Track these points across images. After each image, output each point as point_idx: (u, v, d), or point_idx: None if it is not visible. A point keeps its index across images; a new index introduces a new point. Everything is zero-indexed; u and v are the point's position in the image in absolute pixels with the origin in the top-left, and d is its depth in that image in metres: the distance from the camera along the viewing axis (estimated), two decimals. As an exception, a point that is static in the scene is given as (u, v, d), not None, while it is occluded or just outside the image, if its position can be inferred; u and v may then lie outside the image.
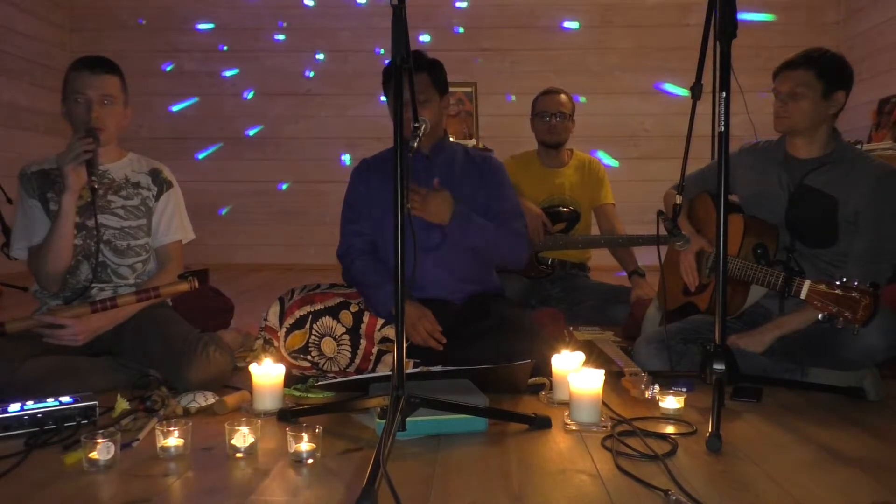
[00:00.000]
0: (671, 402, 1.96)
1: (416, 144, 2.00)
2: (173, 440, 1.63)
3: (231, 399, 1.98)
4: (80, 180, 2.15)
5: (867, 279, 1.96)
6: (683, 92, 5.76)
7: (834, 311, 1.94)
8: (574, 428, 1.82)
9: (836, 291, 1.94)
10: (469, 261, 2.44)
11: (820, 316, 1.98)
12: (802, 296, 2.04)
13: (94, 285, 2.26)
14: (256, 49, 6.14)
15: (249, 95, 6.17)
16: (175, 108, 6.17)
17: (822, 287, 1.98)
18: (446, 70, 2.43)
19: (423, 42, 5.93)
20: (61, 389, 1.94)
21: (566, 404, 1.92)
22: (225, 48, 6.16)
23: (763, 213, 2.40)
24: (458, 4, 6.05)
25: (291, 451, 1.60)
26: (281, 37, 6.15)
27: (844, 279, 1.95)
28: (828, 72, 2.26)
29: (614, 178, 3.71)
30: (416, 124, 2.00)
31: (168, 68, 6.16)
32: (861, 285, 1.92)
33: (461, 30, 6.05)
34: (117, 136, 2.35)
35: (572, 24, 6.03)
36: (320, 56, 6.14)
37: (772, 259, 2.30)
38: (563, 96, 3.41)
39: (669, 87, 5.93)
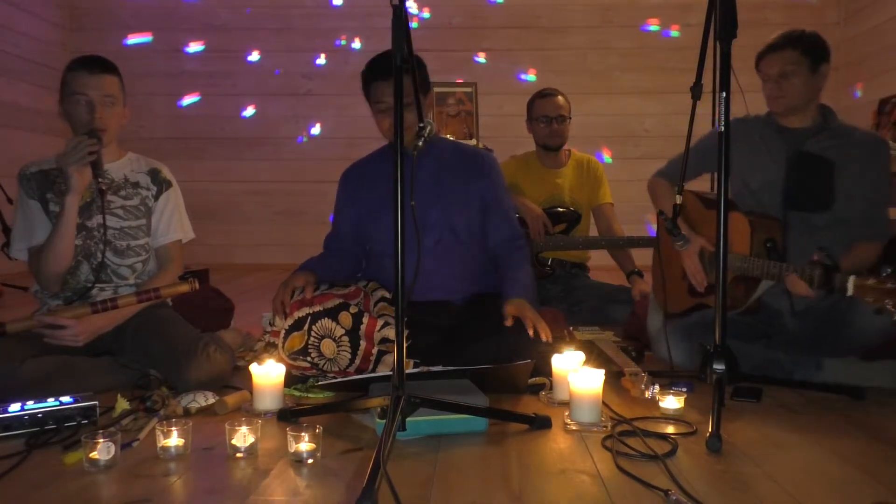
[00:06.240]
0: (671, 402, 1.96)
1: (420, 144, 1.98)
2: (173, 440, 1.63)
3: (231, 399, 1.99)
4: (84, 181, 2.15)
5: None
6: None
7: (890, 307, 1.86)
8: (574, 428, 1.82)
9: (889, 285, 1.87)
10: (468, 261, 2.43)
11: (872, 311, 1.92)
12: (849, 292, 1.97)
13: (94, 286, 2.26)
14: (256, 49, 6.14)
15: (249, 95, 6.17)
16: (175, 108, 6.16)
17: (871, 282, 1.91)
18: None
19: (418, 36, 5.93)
20: (61, 389, 1.95)
21: (566, 404, 1.92)
22: (225, 48, 6.16)
23: (757, 182, 2.44)
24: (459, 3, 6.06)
25: (291, 451, 1.60)
26: (281, 37, 6.14)
27: (890, 270, 1.88)
28: (811, 48, 2.37)
29: (614, 177, 3.71)
30: (422, 125, 1.97)
31: (168, 68, 6.16)
32: None
33: (458, 30, 6.05)
34: (117, 136, 2.35)
35: (574, 24, 6.04)
36: (320, 56, 6.14)
37: (780, 251, 2.29)
38: (560, 98, 3.42)
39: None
